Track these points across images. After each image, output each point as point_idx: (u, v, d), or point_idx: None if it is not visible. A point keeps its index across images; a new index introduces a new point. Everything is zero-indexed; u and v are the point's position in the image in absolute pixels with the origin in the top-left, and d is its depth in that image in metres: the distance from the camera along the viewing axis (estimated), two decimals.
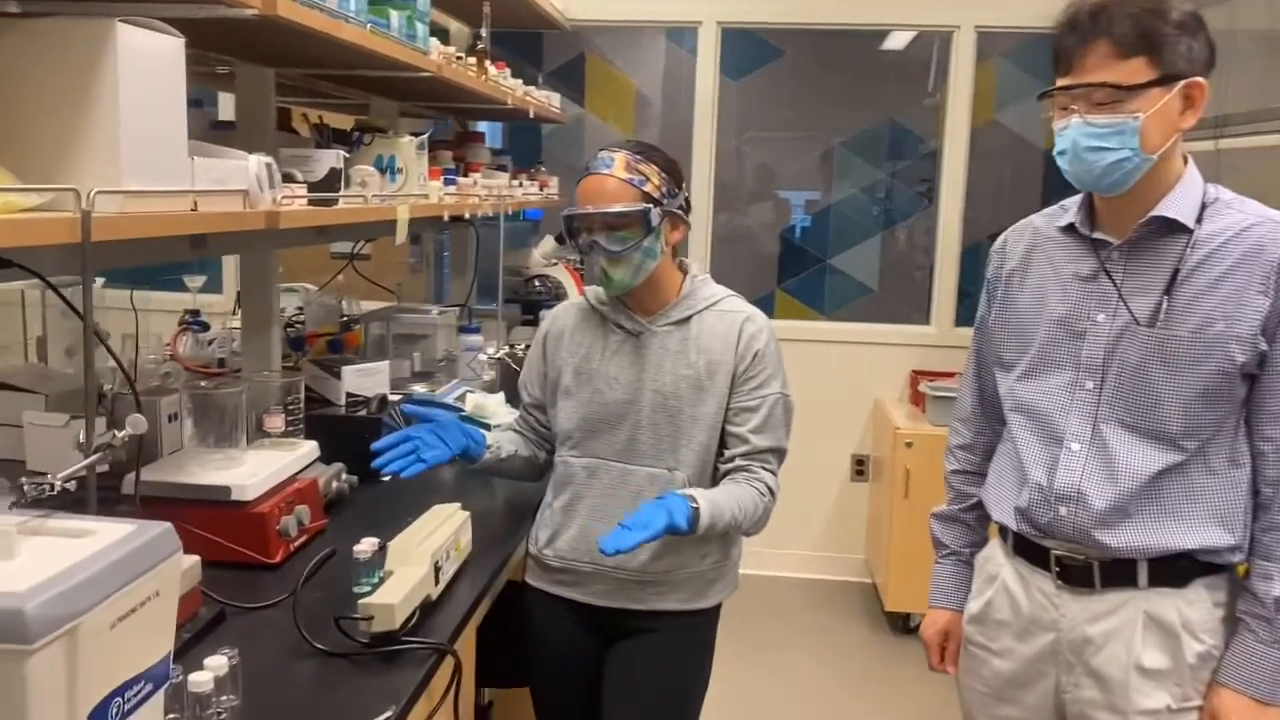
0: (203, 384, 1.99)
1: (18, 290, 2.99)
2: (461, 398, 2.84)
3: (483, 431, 2.12)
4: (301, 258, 3.77)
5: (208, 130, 2.34)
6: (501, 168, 3.83)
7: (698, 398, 1.99)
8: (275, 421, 2.19)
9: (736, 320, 2.03)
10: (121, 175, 1.37)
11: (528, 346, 4.26)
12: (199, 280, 3.75)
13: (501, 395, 2.75)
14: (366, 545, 1.83)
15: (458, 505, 1.99)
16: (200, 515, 1.89)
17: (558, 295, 4.37)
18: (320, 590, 1.79)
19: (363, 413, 2.46)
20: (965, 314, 4.69)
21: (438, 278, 4.81)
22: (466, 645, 1.79)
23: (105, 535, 1.15)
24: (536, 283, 4.47)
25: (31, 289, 2.97)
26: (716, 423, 2.00)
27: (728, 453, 2.00)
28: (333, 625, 1.58)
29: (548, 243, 4.18)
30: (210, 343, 3.41)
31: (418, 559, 1.71)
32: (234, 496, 1.88)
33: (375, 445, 1.98)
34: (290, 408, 2.24)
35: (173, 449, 2.07)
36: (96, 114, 1.36)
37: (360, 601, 1.57)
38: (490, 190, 3.31)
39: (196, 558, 1.63)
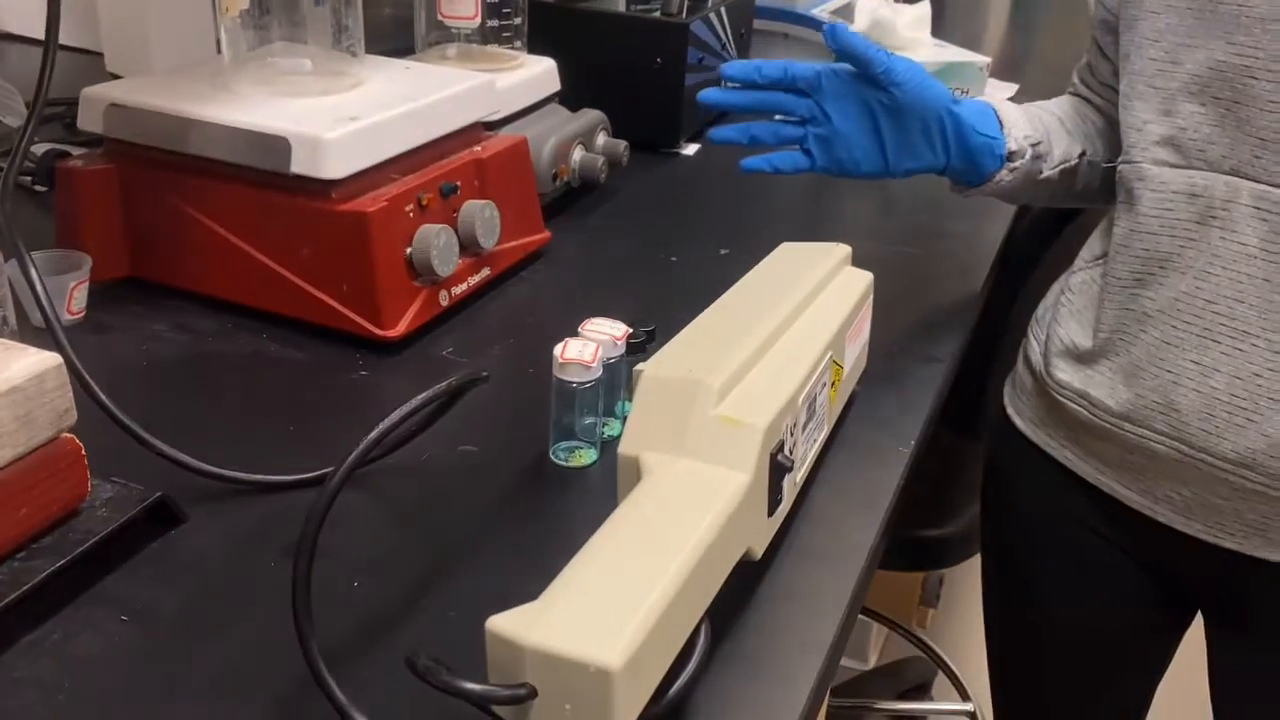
0: None
1: None
2: (844, 11, 1.54)
3: (994, 116, 0.84)
4: None
5: None
6: None
7: None
8: (461, 6, 1.02)
9: None
10: None
11: None
12: None
13: (923, 8, 1.43)
14: (586, 345, 0.67)
15: (843, 249, 0.78)
16: (221, 196, 0.79)
17: None
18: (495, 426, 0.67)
19: (655, 13, 1.23)
20: None
21: None
22: None
23: None
24: None
25: None
26: None
27: None
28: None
29: None
30: None
31: (706, 443, 0.53)
32: (297, 167, 0.75)
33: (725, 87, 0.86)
34: None
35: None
36: None
37: (492, 629, 0.43)
38: None
39: (54, 359, 0.54)
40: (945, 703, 1.78)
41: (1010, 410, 0.93)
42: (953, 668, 1.75)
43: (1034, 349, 0.91)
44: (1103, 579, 0.92)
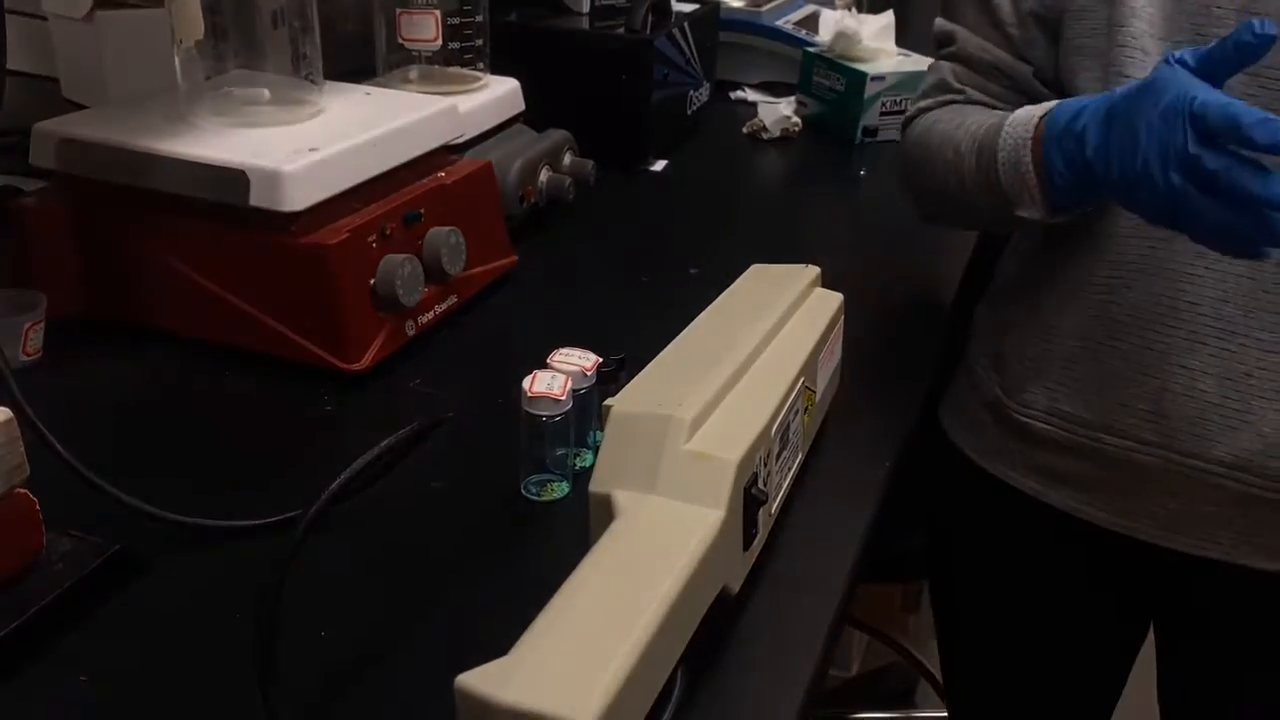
0: None
1: None
2: (809, 21, 1.54)
3: None
4: None
5: None
6: None
7: None
8: (421, 29, 1.01)
9: None
10: None
11: None
12: None
13: (887, 18, 1.43)
14: (555, 378, 0.66)
15: (813, 271, 0.77)
16: (179, 231, 0.78)
17: None
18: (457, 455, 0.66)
19: (619, 30, 1.22)
20: None
21: None
22: None
23: None
24: None
25: None
26: None
27: None
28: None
29: None
30: None
31: (677, 480, 0.52)
32: (255, 200, 0.74)
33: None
34: (466, 8, 1.05)
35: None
36: None
37: (461, 687, 0.42)
38: None
39: (4, 414, 0.52)
40: (928, 710, 1.77)
41: (961, 445, 0.91)
42: (935, 674, 1.74)
43: (982, 378, 0.88)
44: (1059, 604, 0.91)
